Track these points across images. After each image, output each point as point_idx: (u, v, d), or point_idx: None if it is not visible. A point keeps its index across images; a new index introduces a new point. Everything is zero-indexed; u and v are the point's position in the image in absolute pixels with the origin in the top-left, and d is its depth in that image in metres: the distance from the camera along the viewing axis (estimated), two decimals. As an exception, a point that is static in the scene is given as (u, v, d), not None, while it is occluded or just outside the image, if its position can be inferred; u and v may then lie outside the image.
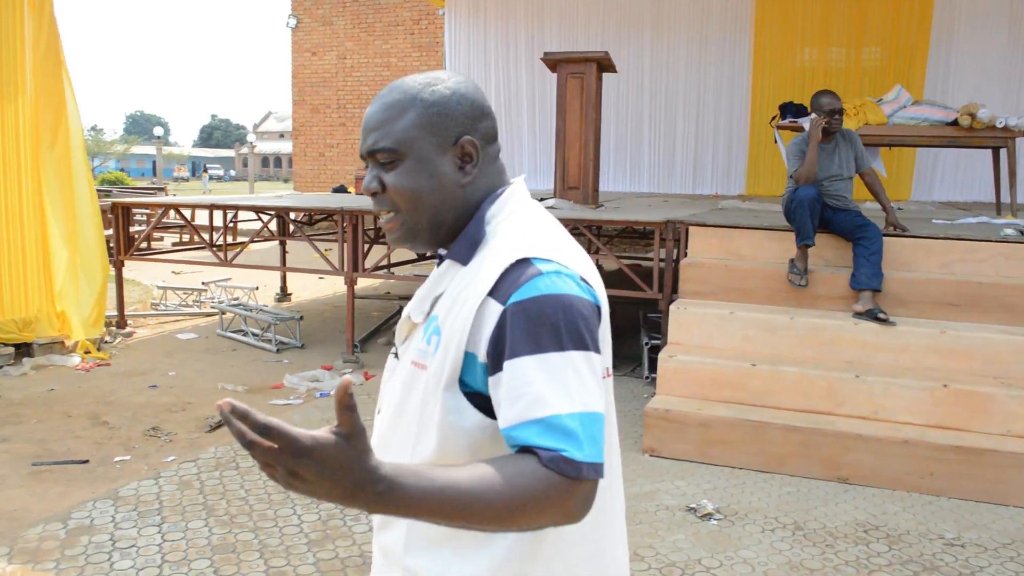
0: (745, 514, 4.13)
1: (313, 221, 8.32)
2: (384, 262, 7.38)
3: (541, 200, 7.92)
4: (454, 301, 1.21)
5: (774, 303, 5.43)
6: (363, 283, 10.58)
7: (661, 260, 6.09)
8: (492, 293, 1.15)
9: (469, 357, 1.17)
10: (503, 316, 1.13)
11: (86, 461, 4.83)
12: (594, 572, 1.29)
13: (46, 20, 7.10)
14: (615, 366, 6.63)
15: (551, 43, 12.43)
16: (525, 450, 1.07)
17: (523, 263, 1.15)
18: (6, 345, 6.89)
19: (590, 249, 10.84)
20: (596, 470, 1.06)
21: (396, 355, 1.38)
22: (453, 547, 1.22)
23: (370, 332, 8.00)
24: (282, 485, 0.96)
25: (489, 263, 1.19)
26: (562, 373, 1.08)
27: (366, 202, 7.53)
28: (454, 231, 1.29)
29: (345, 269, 6.94)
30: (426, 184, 1.24)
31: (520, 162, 12.89)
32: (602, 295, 1.24)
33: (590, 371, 1.11)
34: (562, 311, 1.11)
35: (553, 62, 7.10)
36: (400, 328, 1.37)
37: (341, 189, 10.15)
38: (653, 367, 6.36)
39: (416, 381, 1.25)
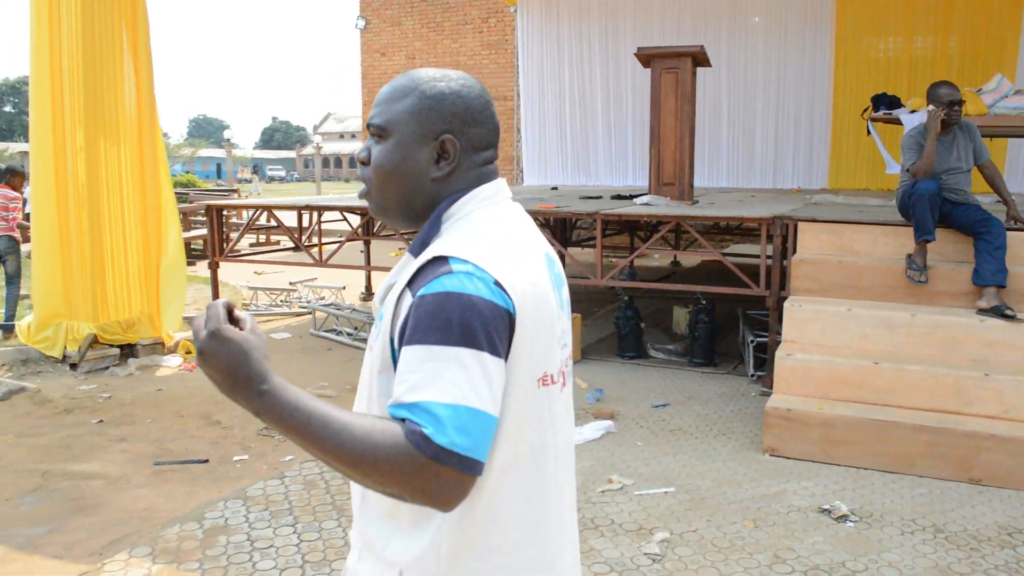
0: (880, 516, 4.03)
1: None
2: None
3: (632, 196, 7.86)
4: (392, 291, 1.29)
5: (891, 300, 5.29)
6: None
7: (768, 257, 5.97)
8: (409, 285, 1.23)
9: (392, 344, 1.25)
10: (412, 304, 1.19)
11: (206, 460, 4.90)
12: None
13: (140, 27, 7.24)
14: (714, 362, 6.63)
15: (626, 39, 12.33)
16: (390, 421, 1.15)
17: (439, 260, 1.21)
18: (111, 346, 7.04)
19: (690, 246, 10.79)
20: (459, 460, 1.10)
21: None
22: (395, 523, 1.30)
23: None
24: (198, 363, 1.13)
25: (420, 258, 1.26)
26: (444, 366, 1.13)
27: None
28: (424, 220, 1.35)
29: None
30: (398, 166, 1.32)
31: (596, 159, 12.81)
32: (527, 299, 1.24)
33: (480, 370, 1.15)
34: (459, 309, 1.15)
35: (647, 57, 7.03)
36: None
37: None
38: (759, 365, 6.26)
39: (367, 365, 1.34)
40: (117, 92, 6.99)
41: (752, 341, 6.27)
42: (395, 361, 1.24)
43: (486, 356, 1.15)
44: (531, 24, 13.20)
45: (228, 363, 1.12)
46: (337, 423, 1.11)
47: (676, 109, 6.89)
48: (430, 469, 1.10)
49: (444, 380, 1.12)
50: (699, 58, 7.01)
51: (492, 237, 1.28)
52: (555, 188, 11.23)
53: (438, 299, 1.16)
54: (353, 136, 77.85)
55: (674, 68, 6.89)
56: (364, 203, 1.48)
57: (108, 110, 6.93)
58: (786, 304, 5.32)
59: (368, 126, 1.36)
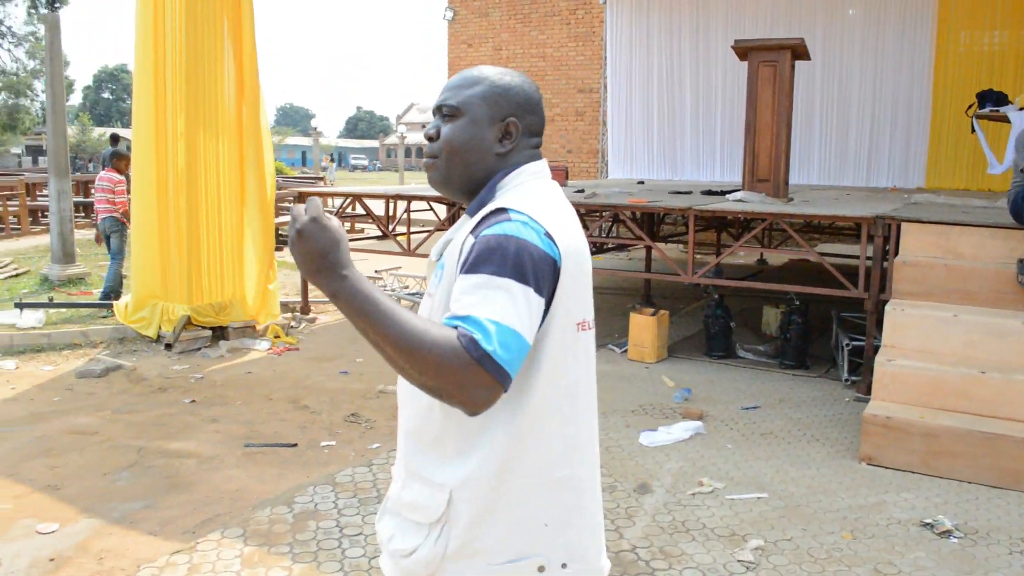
0: (987, 533, 3.84)
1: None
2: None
3: (723, 192, 7.69)
4: (454, 243, 1.48)
5: (1001, 306, 5.05)
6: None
7: (868, 258, 5.76)
8: (472, 232, 1.42)
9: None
10: (473, 243, 1.39)
11: (295, 444, 4.96)
12: (561, 521, 1.50)
13: (244, 17, 7.36)
14: (805, 365, 6.44)
15: (717, 32, 12.11)
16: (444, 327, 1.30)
17: (500, 211, 1.42)
18: (203, 328, 7.20)
19: (783, 243, 10.54)
20: (496, 368, 1.26)
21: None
22: (442, 450, 1.47)
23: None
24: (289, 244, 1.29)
25: (484, 212, 1.45)
26: (496, 292, 1.31)
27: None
28: (479, 191, 1.55)
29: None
30: (468, 142, 1.52)
31: (682, 153, 12.61)
32: (570, 253, 1.45)
33: (525, 301, 1.33)
34: (514, 248, 1.34)
35: (744, 50, 6.86)
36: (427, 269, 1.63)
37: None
38: (853, 369, 6.07)
39: (429, 310, 1.51)
40: (217, 80, 7.14)
41: (847, 345, 6.07)
42: None
43: (531, 292, 1.34)
44: (620, 16, 13.06)
45: (322, 246, 1.27)
46: (401, 315, 1.26)
47: (773, 103, 6.71)
48: (472, 369, 1.25)
49: (494, 302, 1.30)
50: (798, 51, 6.81)
51: (542, 199, 1.49)
52: (641, 182, 11.09)
53: (497, 238, 1.36)
54: (436, 127, 78.08)
55: (772, 61, 6.70)
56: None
57: (208, 97, 7.08)
58: (887, 307, 5.13)
59: (440, 107, 1.55)
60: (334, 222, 1.29)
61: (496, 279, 1.32)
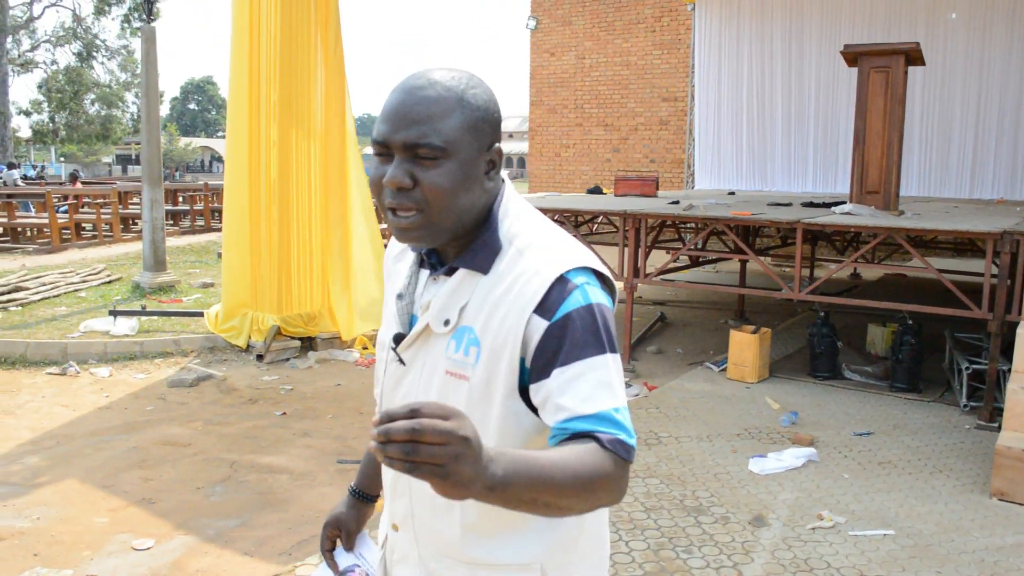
0: None
1: (579, 223, 8.14)
2: (671, 265, 7.05)
3: (826, 204, 7.35)
4: (491, 313, 1.27)
5: None
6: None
7: (992, 276, 5.39)
8: (538, 311, 1.24)
9: (521, 364, 1.26)
10: (549, 328, 1.23)
11: (388, 462, 4.82)
12: (603, 557, 1.45)
13: (334, 28, 7.33)
14: (918, 389, 6.06)
15: (811, 37, 11.74)
16: (579, 438, 1.19)
17: (561, 280, 1.25)
18: (292, 338, 7.16)
19: (887, 258, 10.10)
20: (633, 453, 1.21)
21: (401, 361, 1.39)
22: (509, 531, 1.34)
23: (636, 339, 7.71)
24: (432, 473, 0.95)
25: (526, 279, 1.26)
26: (606, 374, 1.22)
27: (647, 205, 7.25)
28: (468, 232, 1.31)
29: (625, 274, 6.67)
30: (462, 186, 1.25)
31: (773, 163, 12.23)
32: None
33: (617, 369, 1.26)
34: (599, 319, 1.24)
35: (854, 55, 6.52)
36: (401, 335, 1.40)
37: (596, 190, 9.91)
38: (972, 394, 5.69)
39: (455, 391, 1.31)
40: (309, 90, 7.12)
41: (967, 368, 5.69)
42: (522, 384, 1.28)
43: (618, 355, 1.28)
44: (710, 22, 12.76)
45: (471, 457, 0.99)
46: (558, 463, 1.11)
47: (885, 111, 6.36)
48: (627, 469, 1.21)
49: (607, 387, 1.22)
50: (912, 56, 6.44)
51: (555, 233, 1.35)
52: (732, 193, 10.76)
53: (580, 316, 1.23)
54: (510, 136, 78.62)
55: (884, 67, 6.36)
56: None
57: (301, 107, 7.06)
58: (1019, 330, 4.76)
59: (413, 147, 1.23)
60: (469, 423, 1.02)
61: (596, 360, 1.23)
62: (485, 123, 1.28)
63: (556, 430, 1.21)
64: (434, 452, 0.94)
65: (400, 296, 1.41)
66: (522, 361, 1.27)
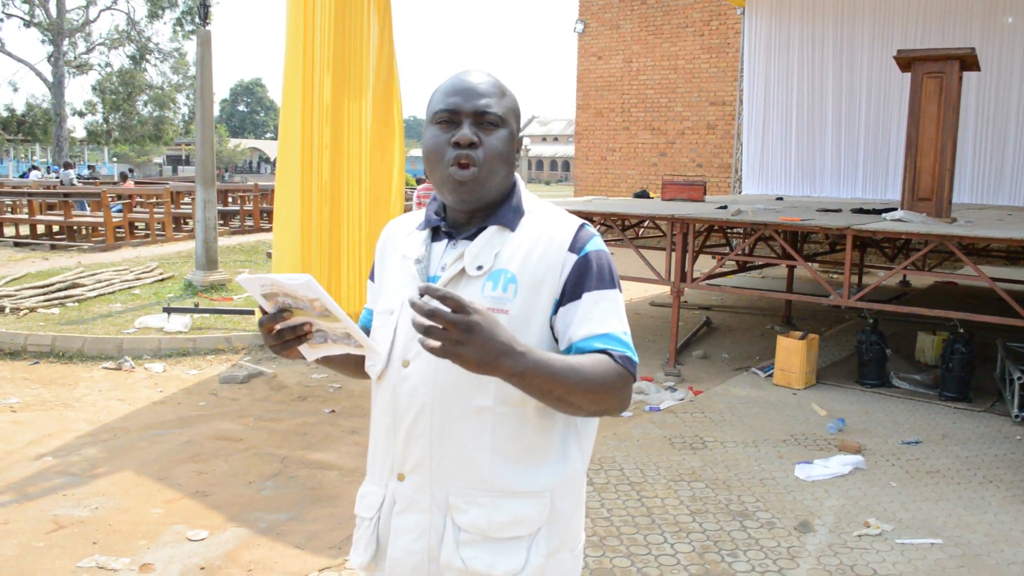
0: None
1: (626, 227, 8.14)
2: (718, 269, 7.01)
3: (876, 211, 7.27)
4: (527, 255, 1.54)
5: None
6: (655, 289, 10.32)
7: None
8: (570, 247, 1.54)
9: (558, 295, 1.54)
10: (579, 260, 1.53)
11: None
12: (583, 487, 1.67)
13: (387, 30, 7.42)
14: (968, 398, 5.99)
15: (863, 42, 11.59)
16: (597, 354, 1.47)
17: (583, 227, 1.58)
18: (340, 337, 7.25)
19: (937, 266, 9.97)
20: (637, 369, 1.52)
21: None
22: (527, 462, 1.54)
23: (682, 343, 7.69)
24: (445, 350, 1.28)
25: (555, 227, 1.57)
26: (612, 304, 1.53)
27: (695, 209, 7.23)
28: (494, 201, 1.59)
29: (672, 279, 6.67)
30: (508, 154, 1.57)
31: (822, 169, 12.09)
32: None
33: (623, 303, 1.56)
34: (607, 261, 1.56)
35: (907, 60, 6.46)
36: (430, 280, 1.59)
37: (643, 194, 9.91)
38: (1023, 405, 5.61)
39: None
40: (361, 92, 7.21)
41: (1019, 378, 5.60)
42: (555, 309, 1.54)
43: (622, 293, 1.58)
44: (759, 26, 12.65)
45: (494, 330, 1.30)
46: (574, 364, 1.41)
47: (939, 118, 6.28)
48: (630, 382, 1.49)
49: (615, 314, 1.52)
50: (968, 61, 6.37)
51: (560, 208, 1.66)
52: (780, 198, 10.68)
53: (597, 256, 1.55)
54: (556, 139, 78.54)
55: (939, 72, 6.28)
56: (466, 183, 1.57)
57: (352, 110, 7.15)
58: (1075, 340, 4.69)
59: (482, 113, 1.53)
60: (478, 301, 1.33)
61: (608, 292, 1.53)
62: (518, 112, 1.62)
63: (576, 348, 1.49)
64: (445, 335, 1.26)
65: (419, 260, 1.61)
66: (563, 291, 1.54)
